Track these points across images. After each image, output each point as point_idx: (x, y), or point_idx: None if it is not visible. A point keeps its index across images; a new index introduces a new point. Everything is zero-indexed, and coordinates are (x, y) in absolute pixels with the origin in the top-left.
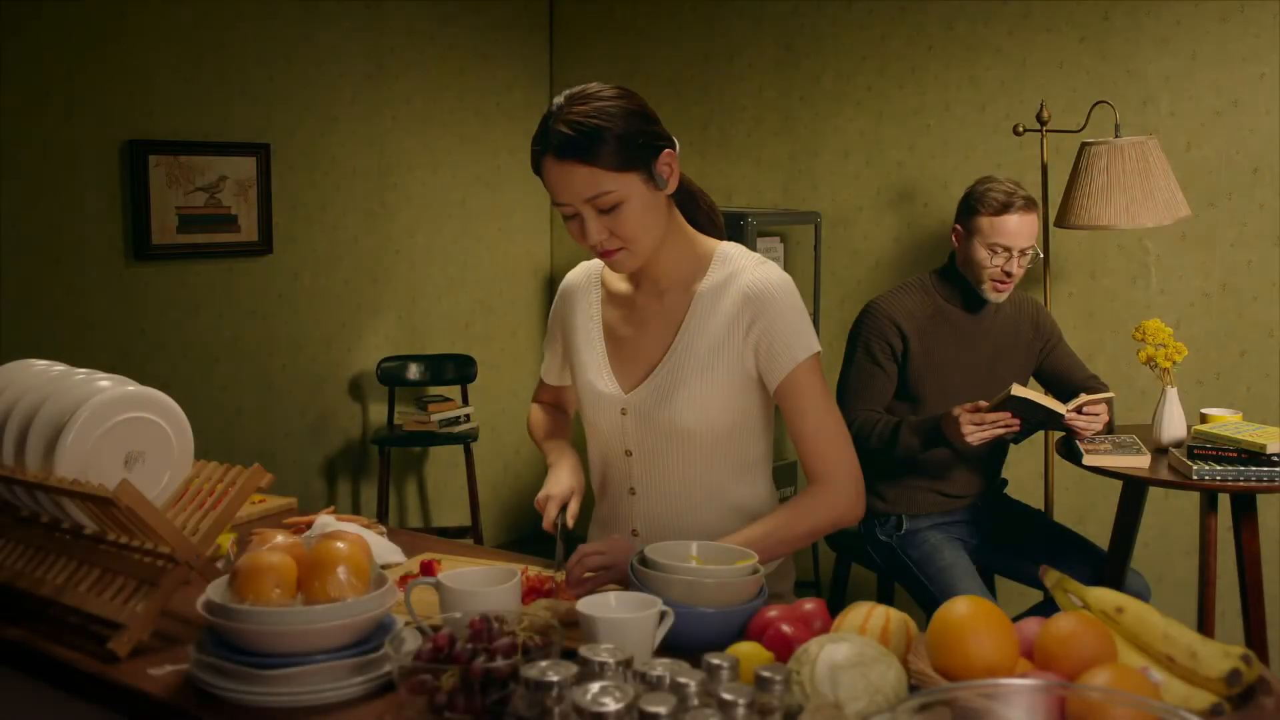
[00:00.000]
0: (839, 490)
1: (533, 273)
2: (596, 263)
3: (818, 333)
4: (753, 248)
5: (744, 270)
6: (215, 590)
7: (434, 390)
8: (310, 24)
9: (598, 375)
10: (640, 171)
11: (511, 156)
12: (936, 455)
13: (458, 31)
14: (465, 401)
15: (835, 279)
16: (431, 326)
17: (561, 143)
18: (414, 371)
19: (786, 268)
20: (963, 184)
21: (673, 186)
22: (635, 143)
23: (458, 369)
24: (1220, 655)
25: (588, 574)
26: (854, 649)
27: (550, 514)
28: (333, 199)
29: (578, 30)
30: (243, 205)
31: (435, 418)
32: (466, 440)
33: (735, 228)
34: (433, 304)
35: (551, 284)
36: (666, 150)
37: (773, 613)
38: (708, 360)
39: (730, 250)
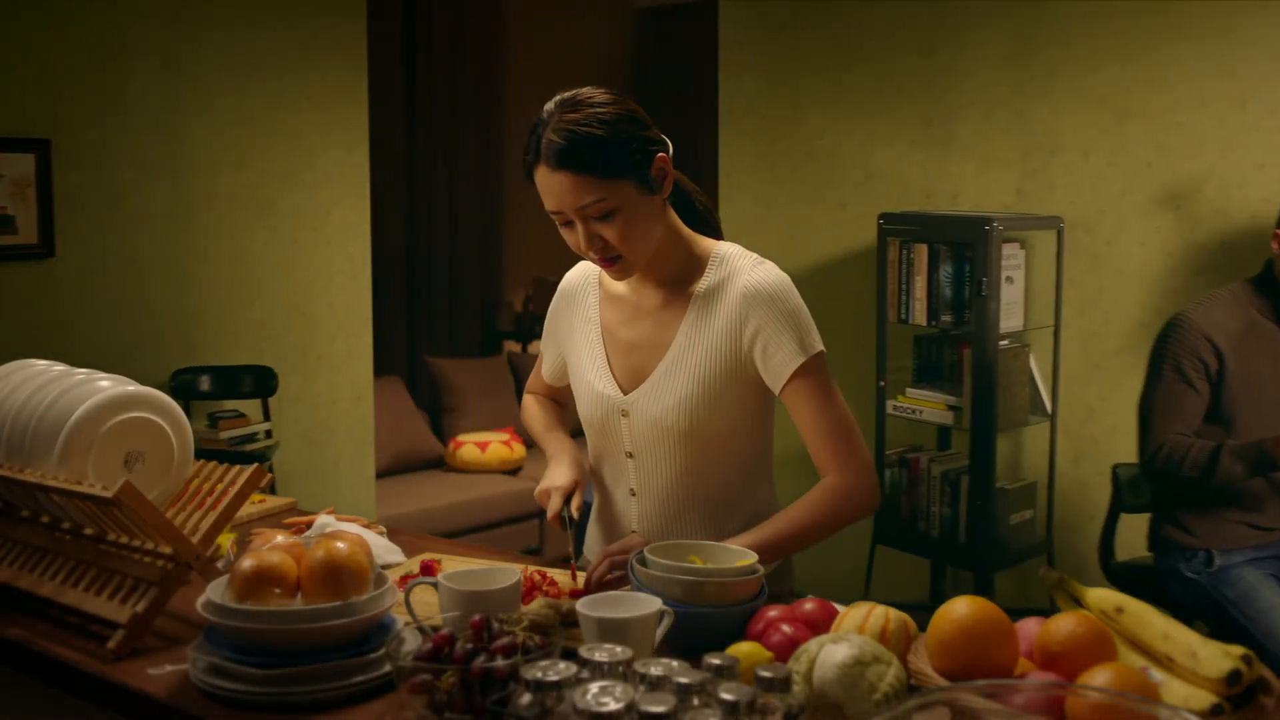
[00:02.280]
0: (851, 480)
1: (351, 276)
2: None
3: (1057, 345)
4: (998, 255)
5: (741, 271)
6: (215, 590)
7: (231, 405)
8: (98, 8)
9: (597, 377)
10: (633, 178)
11: (326, 154)
12: (1250, 484)
13: (269, 17)
14: (266, 416)
15: (1074, 285)
16: (240, 334)
17: (553, 152)
18: (205, 384)
19: (1026, 274)
20: (1223, 187)
21: (667, 190)
22: (628, 149)
23: (257, 381)
24: (1220, 655)
25: (609, 576)
26: (854, 649)
27: (554, 505)
28: (125, 199)
29: (778, 18)
30: (20, 205)
31: (224, 435)
32: (263, 459)
33: (980, 232)
34: (242, 310)
35: (377, 286)
36: (660, 155)
37: (773, 613)
38: (707, 362)
39: (727, 250)
